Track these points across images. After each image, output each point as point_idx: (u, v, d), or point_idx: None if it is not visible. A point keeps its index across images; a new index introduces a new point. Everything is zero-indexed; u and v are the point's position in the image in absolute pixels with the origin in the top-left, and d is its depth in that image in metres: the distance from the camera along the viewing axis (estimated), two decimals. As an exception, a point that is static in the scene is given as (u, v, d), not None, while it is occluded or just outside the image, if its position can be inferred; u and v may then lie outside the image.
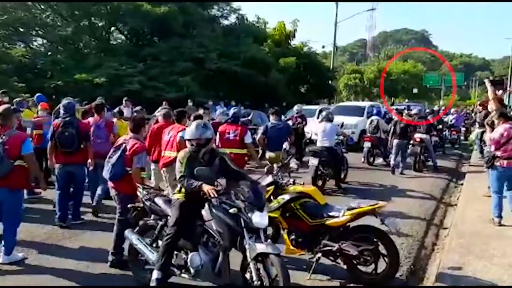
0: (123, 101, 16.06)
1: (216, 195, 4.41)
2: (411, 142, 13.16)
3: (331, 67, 39.49)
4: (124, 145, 5.59)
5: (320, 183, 9.98)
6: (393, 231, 5.14)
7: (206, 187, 4.45)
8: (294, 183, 5.72)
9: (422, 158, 13.35)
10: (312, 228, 5.48)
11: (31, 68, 22.42)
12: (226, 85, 25.02)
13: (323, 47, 37.93)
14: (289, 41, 33.57)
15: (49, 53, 24.36)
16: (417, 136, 13.25)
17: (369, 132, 14.49)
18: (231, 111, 8.98)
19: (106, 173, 5.60)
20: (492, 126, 7.74)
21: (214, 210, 4.55)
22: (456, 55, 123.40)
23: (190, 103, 19.92)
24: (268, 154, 9.32)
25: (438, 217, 8.58)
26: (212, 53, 25.08)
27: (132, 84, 21.75)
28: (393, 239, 5.28)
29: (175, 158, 5.61)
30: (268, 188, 5.74)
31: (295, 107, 13.97)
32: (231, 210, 4.36)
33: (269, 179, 5.78)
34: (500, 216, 7.29)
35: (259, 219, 4.35)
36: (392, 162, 12.68)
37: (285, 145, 6.51)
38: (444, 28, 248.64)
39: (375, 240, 5.17)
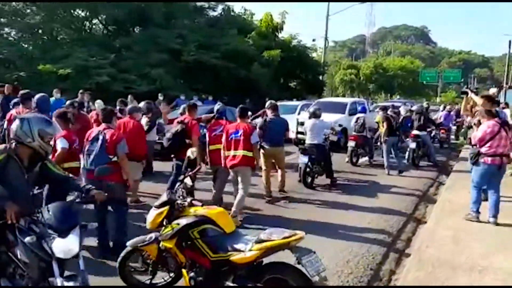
0: (79, 94, 14.65)
1: (15, 221, 3.47)
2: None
3: (322, 62, 38.12)
4: (102, 135, 5.68)
5: (309, 180, 10.02)
6: (312, 274, 3.77)
7: (9, 209, 3.42)
8: (192, 204, 4.35)
9: (419, 153, 13.56)
10: (214, 265, 4.12)
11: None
12: (203, 78, 23.52)
13: (314, 40, 36.35)
14: (277, 34, 32.01)
15: (15, 42, 22.82)
16: (413, 132, 13.48)
17: (355, 130, 13.44)
18: (216, 107, 8.40)
19: (87, 164, 5.65)
20: (480, 125, 7.41)
21: (18, 235, 3.52)
22: (455, 52, 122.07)
23: (160, 97, 18.57)
24: (268, 150, 9.09)
25: (406, 233, 7.23)
26: (190, 45, 23.56)
27: (101, 76, 20.31)
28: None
29: None
30: (161, 210, 4.39)
31: (267, 103, 12.58)
32: (27, 239, 3.37)
33: (164, 197, 4.42)
34: (478, 212, 7.20)
35: (61, 247, 3.37)
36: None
37: (189, 153, 5.16)
38: (444, 24, 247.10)
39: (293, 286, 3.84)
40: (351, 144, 13.22)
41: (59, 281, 3.38)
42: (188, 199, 4.33)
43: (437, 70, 60.81)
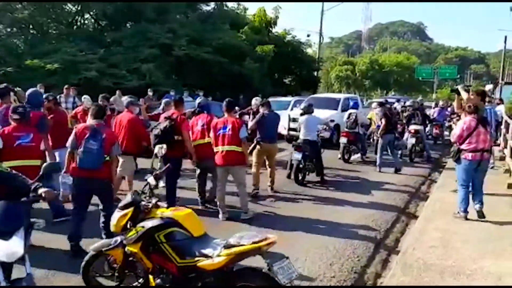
0: (64, 89, 14.31)
1: None
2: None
3: (317, 57, 37.79)
4: (101, 134, 5.45)
5: (300, 177, 9.80)
6: (284, 282, 3.47)
7: None
8: (157, 205, 4.04)
9: (417, 148, 13.74)
10: (181, 271, 3.82)
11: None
12: (195, 73, 23.11)
13: (308, 36, 35.91)
14: (270, 29, 31.63)
15: (3, 37, 22.34)
16: (412, 127, 13.55)
17: (347, 127, 13.20)
18: (197, 100, 8.33)
19: (84, 163, 5.36)
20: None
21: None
22: (451, 48, 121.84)
23: (150, 93, 18.24)
24: (264, 146, 8.95)
25: (395, 233, 6.95)
26: (181, 39, 23.13)
27: (89, 71, 19.90)
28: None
29: None
30: (125, 211, 4.08)
31: (253, 100, 12.27)
32: None
33: (128, 198, 4.11)
34: (466, 211, 7.01)
35: (5, 250, 3.13)
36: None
37: (157, 150, 4.87)
38: (440, 21, 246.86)
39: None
40: (343, 140, 12.98)
41: (3, 284, 3.18)
42: (153, 200, 4.02)
43: (433, 66, 60.36)
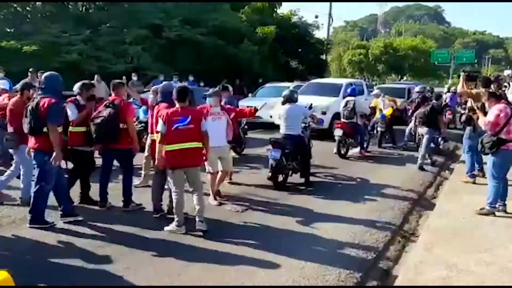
0: (28, 73, 12.79)
1: None
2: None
3: (326, 40, 35.79)
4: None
5: (280, 178, 8.13)
6: None
7: None
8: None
9: None
10: None
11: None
12: (186, 57, 21.36)
13: (316, 17, 33.94)
14: (275, 9, 29.66)
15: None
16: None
17: (343, 116, 11.35)
18: (160, 86, 6.74)
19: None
20: (484, 110, 6.74)
21: None
22: (469, 32, 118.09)
23: (134, 77, 16.68)
24: None
25: (384, 262, 5.26)
26: (173, 20, 21.39)
27: (70, 54, 18.32)
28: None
29: None
30: None
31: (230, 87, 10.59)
32: None
33: None
34: (505, 204, 6.41)
35: None
36: (419, 161, 10.26)
37: None
38: (458, 4, 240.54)
39: None
40: (338, 133, 11.12)
41: None
42: None
43: (450, 50, 57.90)
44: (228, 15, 23.96)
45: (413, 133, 12.71)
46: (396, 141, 13.22)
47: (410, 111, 13.53)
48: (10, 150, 6.76)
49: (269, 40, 25.33)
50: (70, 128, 6.33)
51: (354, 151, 11.63)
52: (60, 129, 5.61)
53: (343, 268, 4.78)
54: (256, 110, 7.75)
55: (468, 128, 8.47)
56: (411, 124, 12.72)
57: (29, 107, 5.57)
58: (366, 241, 5.63)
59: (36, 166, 5.70)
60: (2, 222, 5.89)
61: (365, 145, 11.80)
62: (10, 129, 6.52)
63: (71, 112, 6.25)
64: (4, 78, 11.90)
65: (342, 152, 11.24)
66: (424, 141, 10.34)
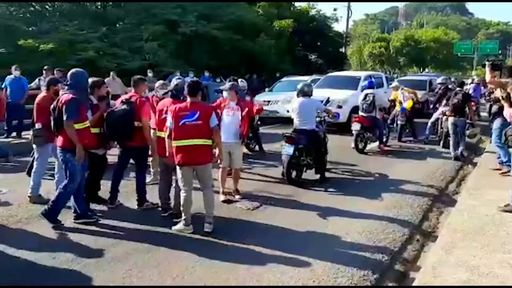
0: (43, 70, 12.76)
1: None
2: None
3: (345, 33, 35.25)
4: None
5: (294, 174, 7.87)
6: None
7: None
8: None
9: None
10: None
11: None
12: (202, 52, 21.15)
13: (335, 10, 33.31)
14: (293, 2, 29.26)
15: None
16: (445, 109, 11.27)
17: (362, 110, 11.01)
18: (173, 81, 6.37)
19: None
20: (510, 100, 6.38)
21: None
22: (493, 23, 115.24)
23: (150, 74, 16.60)
24: None
25: (400, 265, 4.95)
26: (189, 15, 21.22)
27: (86, 52, 18.30)
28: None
29: None
30: None
31: (240, 82, 10.34)
32: None
33: None
34: None
35: None
36: (452, 151, 10.21)
37: None
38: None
39: None
40: (355, 127, 10.81)
41: None
42: None
43: (473, 41, 56.61)
44: (244, 9, 23.70)
45: (435, 126, 12.33)
46: (417, 134, 12.83)
47: (432, 103, 13.15)
48: (34, 146, 6.62)
49: (287, 33, 24.99)
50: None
51: (373, 145, 11.32)
52: (84, 125, 5.47)
53: (356, 269, 4.53)
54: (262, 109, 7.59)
55: (498, 119, 8.10)
56: (434, 117, 12.33)
57: (52, 104, 5.53)
58: (382, 241, 5.35)
59: (63, 164, 5.60)
60: (8, 221, 5.79)
61: (384, 139, 11.46)
62: (37, 125, 6.39)
63: None
64: (21, 76, 11.96)
65: (360, 146, 10.93)
66: (459, 129, 10.15)
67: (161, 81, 7.41)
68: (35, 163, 6.67)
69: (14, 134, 11.63)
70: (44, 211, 5.55)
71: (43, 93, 6.65)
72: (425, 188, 7.84)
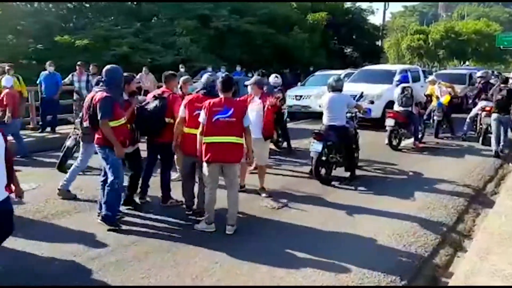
0: (76, 66, 12.91)
1: None
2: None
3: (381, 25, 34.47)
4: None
5: (323, 171, 7.62)
6: None
7: None
8: None
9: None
10: None
11: (8, 30, 19.72)
12: (235, 47, 21.02)
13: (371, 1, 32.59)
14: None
15: (36, 11, 21.30)
16: (485, 104, 11.07)
17: (401, 103, 10.59)
18: (203, 78, 6.02)
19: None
20: None
21: None
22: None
23: (182, 69, 16.59)
24: None
25: (430, 269, 4.70)
26: (222, 10, 21.13)
27: (120, 47, 18.49)
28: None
29: None
30: None
31: (273, 79, 10.08)
32: None
33: None
34: None
35: None
36: (493, 147, 9.88)
37: None
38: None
39: None
40: (389, 122, 10.44)
41: None
42: None
43: (517, 33, 54.38)
44: (277, 3, 23.39)
45: (474, 122, 11.82)
46: (455, 130, 12.32)
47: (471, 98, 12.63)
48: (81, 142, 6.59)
49: (321, 27, 24.56)
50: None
51: (408, 142, 10.94)
52: (118, 122, 5.34)
53: (384, 274, 4.29)
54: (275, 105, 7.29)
55: None
56: (473, 112, 11.83)
57: (86, 103, 5.47)
58: (413, 244, 5.08)
59: (104, 161, 5.46)
60: (34, 216, 5.82)
61: (419, 136, 11.04)
62: (85, 123, 6.24)
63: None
64: (55, 72, 12.12)
65: (394, 143, 10.58)
66: (503, 127, 9.80)
67: (184, 77, 7.21)
68: (78, 158, 6.61)
69: (48, 129, 11.79)
70: (102, 218, 5.40)
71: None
72: (461, 187, 7.46)
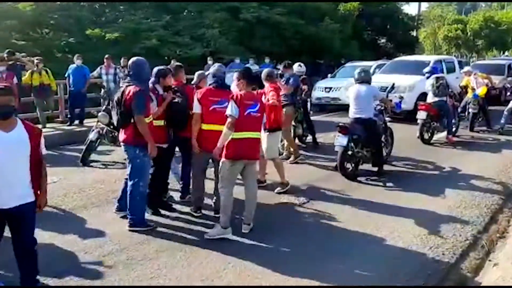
0: (104, 59, 12.94)
1: None
2: None
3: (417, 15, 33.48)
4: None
5: (349, 167, 7.34)
6: None
7: None
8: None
9: None
10: None
11: (44, 25, 20.00)
12: (264, 39, 20.71)
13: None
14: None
15: (68, 5, 21.54)
16: None
17: (435, 94, 10.09)
18: (211, 69, 5.70)
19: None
20: None
21: None
22: None
23: (210, 61, 16.45)
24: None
25: (458, 274, 4.39)
26: (251, 1, 20.89)
27: (150, 40, 18.48)
28: None
29: None
30: None
31: (296, 67, 9.75)
32: None
33: None
34: None
35: None
36: None
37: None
38: None
39: None
40: (421, 115, 9.99)
41: None
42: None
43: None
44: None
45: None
46: (492, 124, 11.73)
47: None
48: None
49: (353, 17, 23.98)
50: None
51: (440, 135, 10.47)
52: (149, 119, 5.07)
53: (406, 279, 4.03)
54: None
55: None
56: (511, 104, 11.24)
57: (116, 97, 5.12)
58: (440, 246, 4.76)
59: (128, 161, 5.20)
60: (52, 211, 5.77)
61: (453, 129, 10.54)
62: None
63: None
64: (82, 65, 12.19)
65: (426, 137, 10.14)
66: None
67: (199, 72, 6.74)
68: None
69: (77, 122, 11.87)
70: (129, 224, 5.14)
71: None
72: (496, 185, 7.03)
